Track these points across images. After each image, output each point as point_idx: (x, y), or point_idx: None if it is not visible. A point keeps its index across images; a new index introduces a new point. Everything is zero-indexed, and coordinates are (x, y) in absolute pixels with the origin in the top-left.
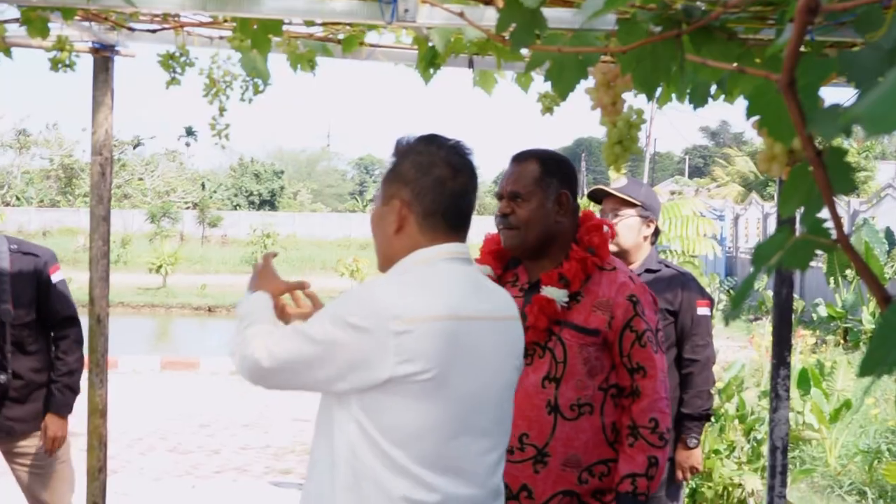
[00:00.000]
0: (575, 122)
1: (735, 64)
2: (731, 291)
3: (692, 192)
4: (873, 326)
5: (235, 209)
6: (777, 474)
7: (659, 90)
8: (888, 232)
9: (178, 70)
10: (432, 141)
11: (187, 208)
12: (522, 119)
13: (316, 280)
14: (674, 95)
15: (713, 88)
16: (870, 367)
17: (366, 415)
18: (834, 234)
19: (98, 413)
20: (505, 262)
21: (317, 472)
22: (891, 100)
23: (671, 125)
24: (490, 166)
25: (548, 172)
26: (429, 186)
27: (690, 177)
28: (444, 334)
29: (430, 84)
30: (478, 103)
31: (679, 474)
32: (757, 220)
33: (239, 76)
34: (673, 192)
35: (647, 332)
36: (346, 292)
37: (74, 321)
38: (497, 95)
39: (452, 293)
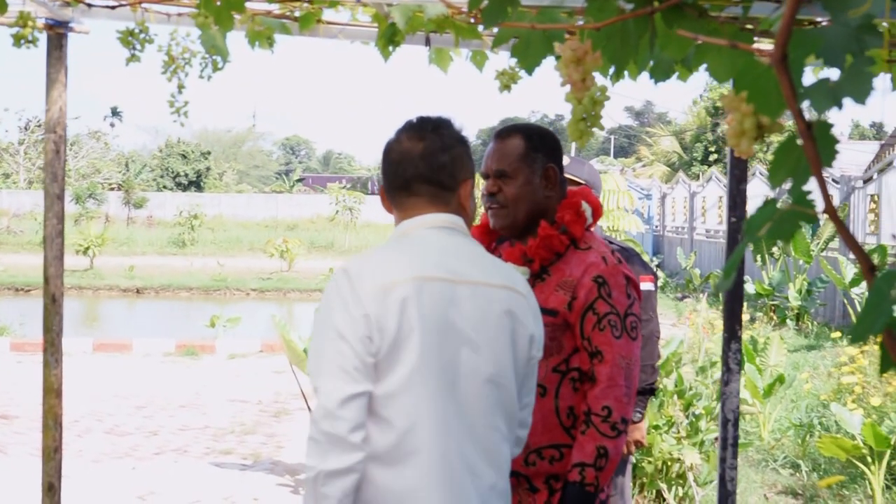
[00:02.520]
0: (500, 101)
1: (724, 40)
2: (659, 268)
3: (618, 171)
4: (799, 303)
5: (161, 190)
6: (729, 446)
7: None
8: None
9: (138, 47)
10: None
11: (112, 189)
12: (452, 97)
13: (245, 261)
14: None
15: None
16: (861, 334)
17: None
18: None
19: (53, 393)
20: (495, 239)
21: None
22: None
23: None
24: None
25: (533, 147)
26: (385, 166)
27: (615, 156)
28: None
29: (357, 64)
30: (405, 82)
31: (624, 448)
32: (684, 199)
33: (198, 53)
34: (599, 172)
35: (609, 316)
36: None
37: None
38: (430, 72)
39: (410, 260)
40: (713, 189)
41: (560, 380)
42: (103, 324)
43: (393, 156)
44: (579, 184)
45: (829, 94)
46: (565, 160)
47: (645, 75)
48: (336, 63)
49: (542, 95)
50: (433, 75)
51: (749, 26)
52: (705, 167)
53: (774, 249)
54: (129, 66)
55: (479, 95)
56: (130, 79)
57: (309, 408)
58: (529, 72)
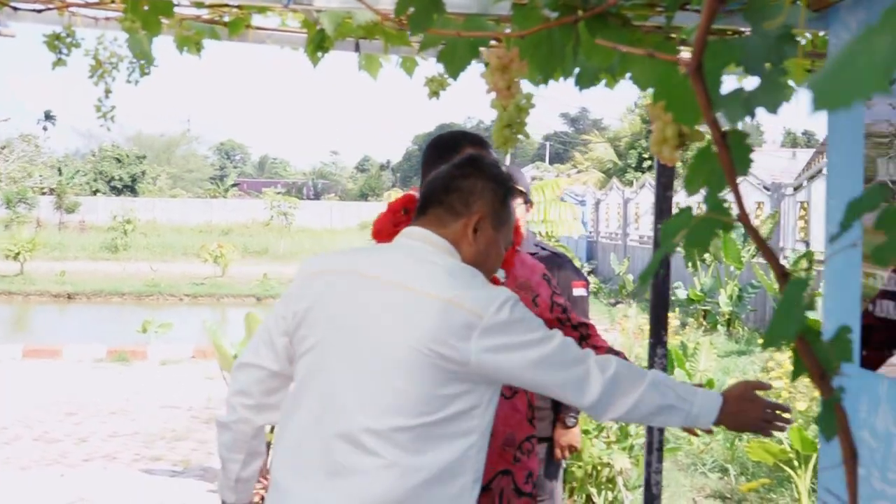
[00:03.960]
0: (437, 107)
1: (643, 50)
2: (592, 274)
3: (553, 177)
4: (731, 309)
5: (94, 195)
6: (654, 450)
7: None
8: None
9: (65, 51)
10: None
11: (44, 194)
12: (389, 103)
13: (178, 267)
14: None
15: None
16: (773, 340)
17: None
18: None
19: None
20: (398, 222)
21: None
22: (835, 78)
23: (531, 111)
24: (355, 150)
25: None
26: None
27: (551, 162)
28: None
29: (293, 70)
30: (345, 87)
31: (558, 453)
32: (618, 206)
33: (125, 57)
34: (534, 178)
35: (566, 304)
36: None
37: None
38: (368, 79)
39: (346, 255)
40: (646, 196)
41: None
42: (33, 330)
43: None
44: (520, 192)
45: (742, 104)
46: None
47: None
48: (272, 68)
49: (478, 101)
50: (370, 81)
51: (673, 35)
52: (639, 174)
53: (706, 256)
54: (64, 70)
55: (416, 101)
56: (64, 83)
57: None
58: (455, 77)
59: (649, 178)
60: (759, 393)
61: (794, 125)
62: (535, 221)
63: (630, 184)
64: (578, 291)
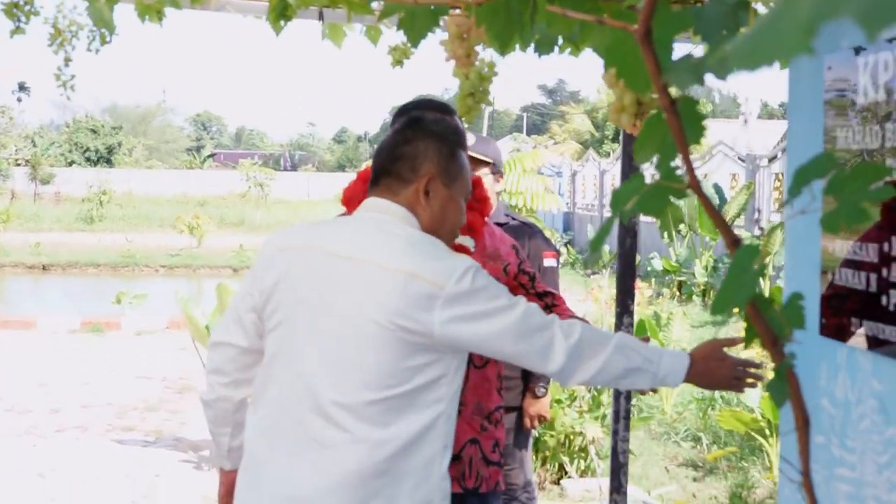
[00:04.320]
0: (414, 79)
1: (591, 16)
2: (569, 245)
3: (530, 149)
4: (706, 279)
5: (70, 165)
6: (621, 419)
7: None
8: (717, 188)
9: (23, 19)
10: None
11: (18, 165)
12: (368, 75)
13: (154, 238)
14: (517, 48)
15: (560, 42)
16: (721, 307)
17: None
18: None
19: None
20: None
21: None
22: (757, 38)
23: (507, 83)
24: (332, 121)
25: None
26: None
27: (528, 134)
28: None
29: (270, 40)
30: (323, 58)
31: (527, 422)
32: (594, 177)
33: (85, 26)
34: (512, 150)
35: (532, 271)
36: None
37: None
38: (345, 49)
39: (309, 229)
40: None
41: None
42: (7, 301)
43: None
44: (487, 162)
45: (691, 71)
46: (470, 139)
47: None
48: (250, 39)
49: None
50: (348, 52)
51: (633, 4)
52: (616, 145)
53: (682, 226)
54: (38, 40)
55: (392, 72)
56: (38, 53)
57: None
58: (415, 45)
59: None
60: (729, 350)
61: (770, 98)
62: (510, 193)
63: (607, 155)
64: (549, 262)
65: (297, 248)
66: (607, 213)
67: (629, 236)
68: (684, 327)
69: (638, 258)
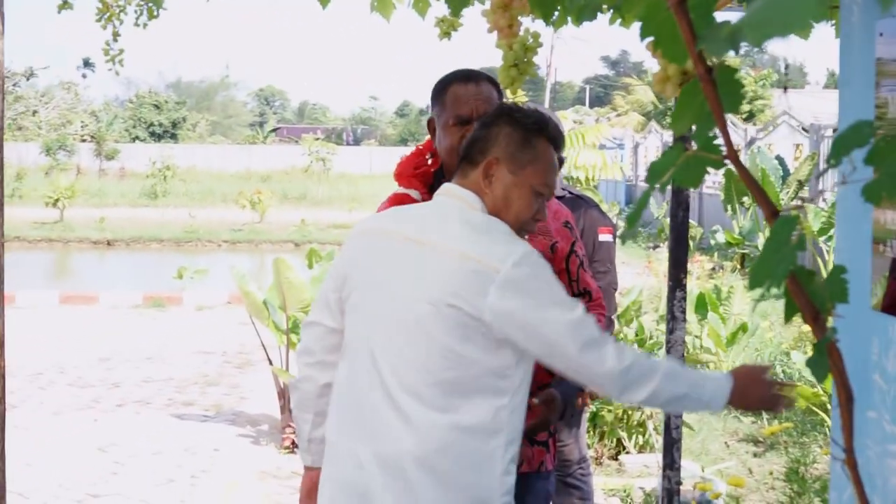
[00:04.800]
0: (479, 52)
1: None
2: None
3: (592, 121)
4: None
5: (134, 141)
6: None
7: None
8: (780, 159)
9: None
10: None
11: (84, 141)
12: (430, 49)
13: (217, 213)
14: (570, 20)
15: (609, 14)
16: (758, 280)
17: None
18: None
19: None
20: (428, 185)
21: None
22: (770, 8)
23: (572, 54)
24: (395, 95)
25: (500, 94)
26: None
27: (591, 106)
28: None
29: (333, 14)
30: (385, 30)
31: (578, 400)
32: (656, 149)
33: (133, 1)
34: (574, 122)
35: (584, 255)
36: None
37: None
38: (409, 21)
39: (390, 215)
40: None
41: None
42: (72, 276)
43: None
44: None
45: (727, 38)
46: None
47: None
48: (312, 13)
49: None
50: (411, 24)
51: None
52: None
53: (745, 199)
54: (141, 20)
55: (455, 45)
56: (102, 30)
57: (269, 359)
58: (456, 15)
59: None
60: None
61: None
62: (572, 166)
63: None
64: (604, 237)
65: (374, 231)
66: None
67: (681, 209)
68: (745, 301)
69: (701, 231)
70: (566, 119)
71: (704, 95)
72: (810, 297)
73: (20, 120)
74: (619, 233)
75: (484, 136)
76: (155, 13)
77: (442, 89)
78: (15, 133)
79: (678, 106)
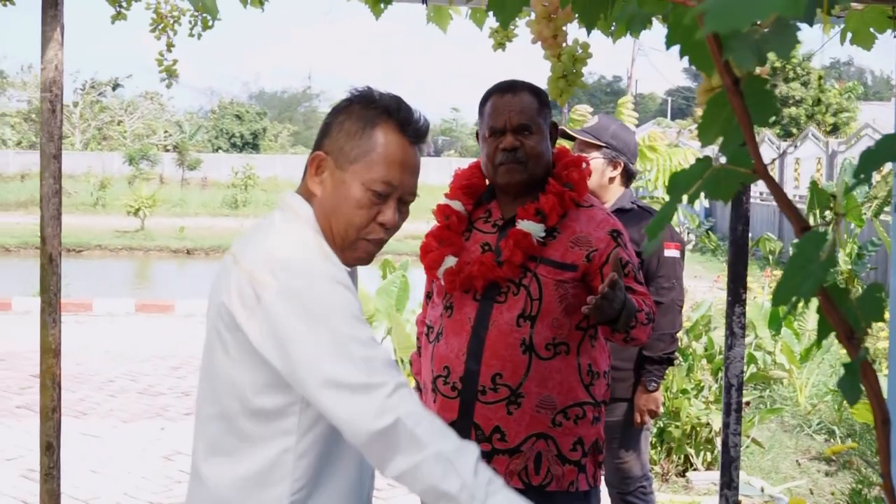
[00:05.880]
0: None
1: None
2: (710, 233)
3: (674, 133)
4: (849, 267)
5: (216, 151)
6: (732, 412)
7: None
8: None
9: (125, 4)
10: None
11: (167, 151)
12: (503, 60)
13: None
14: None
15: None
16: (782, 297)
17: None
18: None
19: (51, 353)
20: (476, 198)
21: None
22: None
23: (653, 66)
24: (476, 107)
25: (543, 103)
26: None
27: (673, 118)
28: None
29: (414, 25)
30: (462, 44)
31: (637, 418)
32: None
33: (187, 11)
34: (658, 135)
35: (629, 265)
36: None
37: None
38: (480, 37)
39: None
40: (767, 152)
41: (582, 337)
42: (151, 284)
43: None
44: (597, 146)
45: (752, 48)
46: (594, 120)
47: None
48: (393, 24)
49: (603, 55)
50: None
51: None
52: (765, 128)
53: (826, 213)
54: (182, 29)
55: (536, 57)
56: (185, 40)
57: None
58: (505, 26)
59: (769, 134)
60: None
61: None
62: (654, 184)
63: None
64: (669, 252)
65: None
66: (750, 199)
67: (741, 223)
68: None
69: (780, 245)
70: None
71: (731, 108)
72: (845, 315)
73: (105, 130)
74: (723, 244)
75: (320, 130)
76: (210, 23)
77: (483, 101)
78: (100, 143)
79: (704, 117)
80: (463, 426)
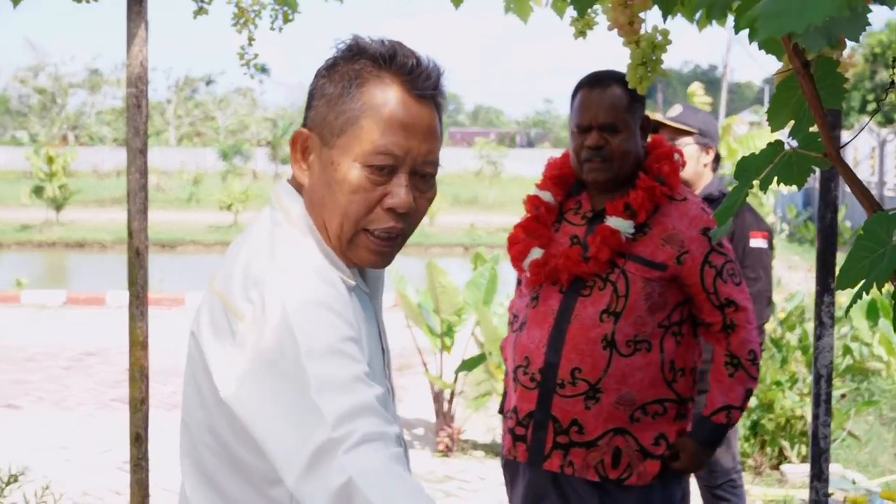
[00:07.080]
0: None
1: None
2: (809, 221)
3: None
4: None
5: None
6: (822, 403)
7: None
8: None
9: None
10: None
11: (260, 146)
12: (596, 50)
13: None
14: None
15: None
16: (847, 281)
17: None
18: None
19: (139, 345)
20: (567, 189)
21: None
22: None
23: (749, 54)
24: (569, 98)
25: (633, 97)
26: None
27: None
28: None
29: (508, 17)
30: (556, 35)
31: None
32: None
33: (268, 5)
34: (752, 123)
35: (727, 265)
36: None
37: None
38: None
39: None
40: (865, 139)
41: (664, 334)
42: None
43: None
44: (689, 132)
45: (822, 32)
46: (677, 108)
47: None
48: (486, 16)
49: (696, 44)
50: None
51: None
52: (863, 117)
53: None
54: (276, 24)
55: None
56: (276, 35)
57: (425, 364)
58: (581, 14)
59: (870, 122)
60: None
61: None
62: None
63: (851, 126)
64: (756, 242)
65: None
66: (849, 188)
67: (829, 211)
68: None
69: None
70: (739, 122)
71: (802, 91)
72: None
73: (199, 126)
74: (780, 235)
75: (305, 104)
76: (290, 17)
77: (574, 94)
78: (194, 139)
79: (774, 100)
80: (541, 418)
